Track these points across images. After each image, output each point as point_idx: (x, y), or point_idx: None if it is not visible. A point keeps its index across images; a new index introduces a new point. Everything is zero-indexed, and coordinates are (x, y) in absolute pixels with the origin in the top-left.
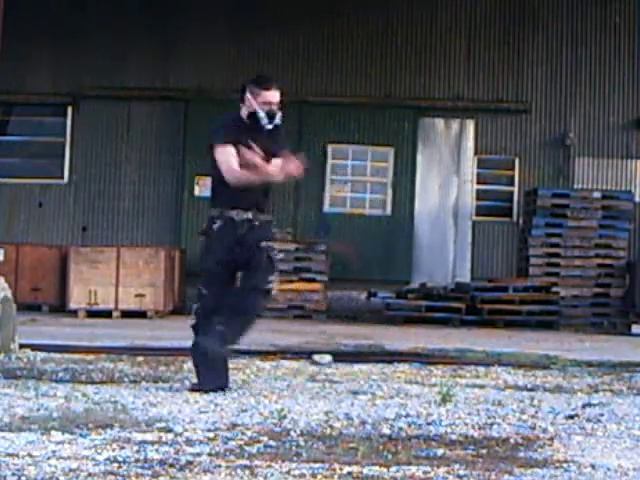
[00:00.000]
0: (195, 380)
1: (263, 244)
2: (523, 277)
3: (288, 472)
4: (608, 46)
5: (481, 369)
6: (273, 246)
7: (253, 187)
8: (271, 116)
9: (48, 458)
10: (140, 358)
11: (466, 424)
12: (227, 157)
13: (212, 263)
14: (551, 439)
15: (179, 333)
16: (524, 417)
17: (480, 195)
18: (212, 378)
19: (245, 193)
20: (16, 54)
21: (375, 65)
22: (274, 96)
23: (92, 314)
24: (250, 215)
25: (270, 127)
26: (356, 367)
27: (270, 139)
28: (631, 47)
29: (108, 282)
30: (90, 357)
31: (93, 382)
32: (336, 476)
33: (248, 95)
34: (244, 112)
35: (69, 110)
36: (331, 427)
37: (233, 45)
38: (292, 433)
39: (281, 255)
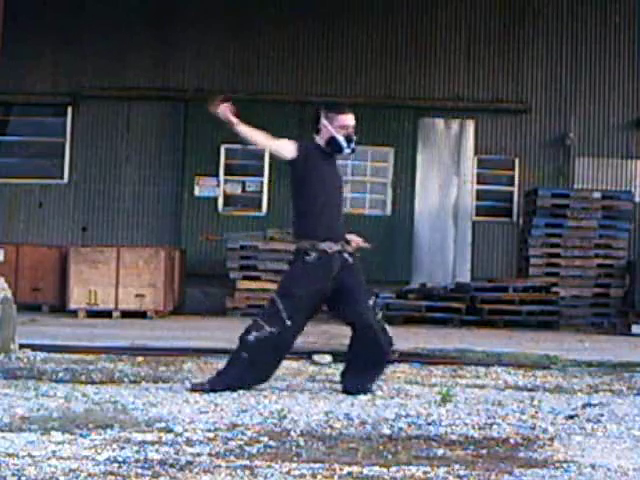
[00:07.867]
0: (195, 380)
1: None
2: (523, 277)
3: (288, 472)
4: (608, 46)
5: (481, 369)
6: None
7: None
8: (349, 140)
9: (48, 458)
10: (140, 358)
11: (466, 424)
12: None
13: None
14: (551, 439)
15: (179, 333)
16: (524, 417)
17: (480, 195)
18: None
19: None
20: (16, 54)
21: (375, 65)
22: (351, 119)
23: (92, 314)
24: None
25: (349, 151)
26: None
27: (334, 164)
28: (631, 47)
29: (108, 282)
30: (90, 357)
31: (93, 382)
32: (336, 476)
33: (324, 121)
34: (320, 140)
35: (69, 110)
36: (331, 427)
37: (233, 45)
38: (292, 433)
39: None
